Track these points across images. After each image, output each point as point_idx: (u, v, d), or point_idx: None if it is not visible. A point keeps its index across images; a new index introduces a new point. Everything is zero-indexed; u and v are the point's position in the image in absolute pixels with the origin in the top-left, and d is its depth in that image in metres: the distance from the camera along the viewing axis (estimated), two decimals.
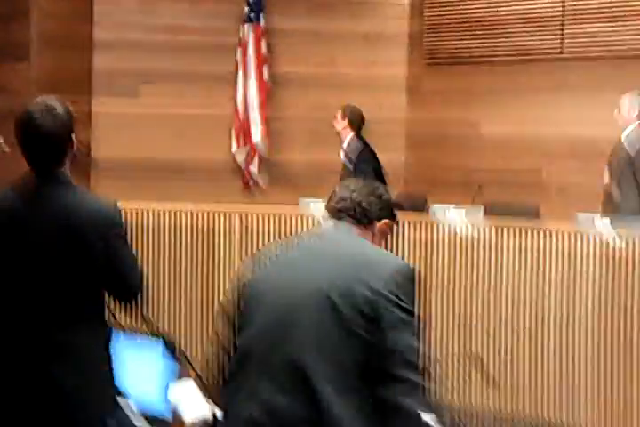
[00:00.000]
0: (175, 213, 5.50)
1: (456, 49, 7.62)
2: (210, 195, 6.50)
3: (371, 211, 2.54)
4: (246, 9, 7.61)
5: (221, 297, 5.32)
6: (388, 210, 2.60)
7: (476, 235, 5.12)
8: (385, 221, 2.58)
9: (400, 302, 2.30)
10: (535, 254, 4.99)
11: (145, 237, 5.35)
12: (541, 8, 7.27)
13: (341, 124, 6.72)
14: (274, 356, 2.35)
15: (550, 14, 7.23)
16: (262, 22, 7.63)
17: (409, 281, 2.38)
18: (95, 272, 2.91)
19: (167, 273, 5.46)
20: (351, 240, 2.51)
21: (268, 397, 2.33)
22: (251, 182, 7.68)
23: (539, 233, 4.98)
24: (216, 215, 5.44)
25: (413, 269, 2.43)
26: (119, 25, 7.62)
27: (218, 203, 5.80)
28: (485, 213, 5.37)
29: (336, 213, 2.56)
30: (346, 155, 6.63)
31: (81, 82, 7.48)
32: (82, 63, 7.53)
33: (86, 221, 2.89)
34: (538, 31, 7.29)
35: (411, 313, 2.32)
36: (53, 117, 2.92)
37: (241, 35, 7.62)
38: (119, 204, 3.01)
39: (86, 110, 7.24)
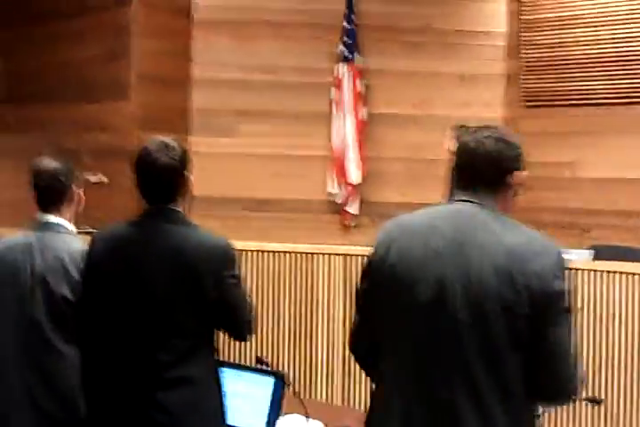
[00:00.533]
0: (276, 254, 5.47)
1: (554, 90, 7.53)
2: (308, 236, 6.49)
3: (505, 168, 2.44)
4: (342, 48, 7.61)
5: (320, 339, 5.30)
6: (522, 159, 2.49)
7: (586, 279, 5.00)
8: (523, 171, 2.48)
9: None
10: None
11: (246, 277, 5.34)
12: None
13: (454, 145, 6.56)
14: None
15: None
16: (357, 61, 7.61)
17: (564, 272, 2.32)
18: (208, 310, 2.90)
19: (268, 313, 5.44)
20: (499, 222, 2.36)
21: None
22: (351, 224, 7.62)
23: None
24: (318, 257, 5.40)
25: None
26: (217, 63, 7.69)
27: (318, 244, 5.76)
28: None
29: (466, 180, 2.45)
30: None
31: (179, 120, 7.57)
32: (180, 101, 7.63)
33: (200, 259, 2.90)
34: (638, 72, 7.16)
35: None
36: (170, 154, 2.93)
37: (336, 73, 7.61)
38: (230, 242, 2.99)
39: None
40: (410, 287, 2.35)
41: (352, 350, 2.62)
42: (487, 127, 2.51)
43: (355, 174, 7.52)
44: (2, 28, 8.24)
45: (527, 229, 2.39)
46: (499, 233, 2.32)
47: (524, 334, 2.25)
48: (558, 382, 2.29)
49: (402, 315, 2.37)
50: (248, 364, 3.53)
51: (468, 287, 2.27)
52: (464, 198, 2.43)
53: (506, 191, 2.44)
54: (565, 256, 4.72)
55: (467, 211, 2.40)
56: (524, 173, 2.44)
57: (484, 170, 2.43)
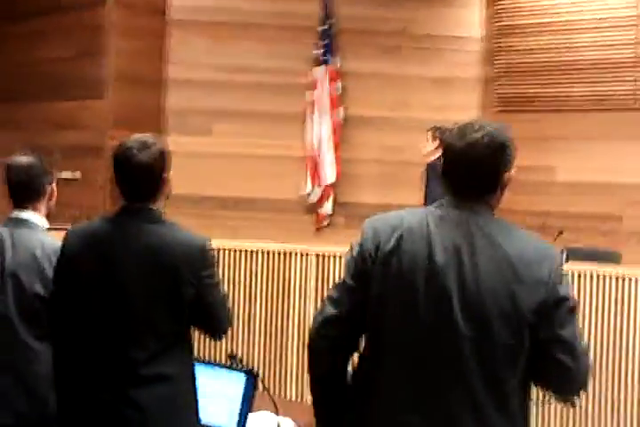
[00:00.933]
0: (249, 253, 5.46)
1: (528, 95, 7.56)
2: (282, 235, 6.47)
3: (501, 172, 2.34)
4: (320, 51, 7.63)
5: (292, 337, 5.29)
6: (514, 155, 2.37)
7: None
8: (513, 169, 2.38)
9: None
10: (618, 301, 4.90)
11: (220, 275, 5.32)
12: (615, 54, 7.22)
13: (432, 146, 6.57)
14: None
15: (624, 61, 7.17)
16: (334, 64, 7.63)
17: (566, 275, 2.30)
18: (184, 308, 2.88)
19: (240, 311, 5.43)
20: (496, 228, 2.30)
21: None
22: (325, 223, 7.62)
23: (622, 280, 4.90)
24: (292, 256, 5.39)
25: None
26: (192, 64, 7.70)
27: (292, 244, 5.76)
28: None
29: (461, 181, 2.35)
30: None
31: (154, 119, 7.56)
32: (155, 101, 7.62)
33: (177, 257, 2.87)
34: (611, 78, 7.22)
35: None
36: (151, 153, 2.90)
37: (315, 76, 7.62)
38: (207, 241, 2.96)
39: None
40: (409, 298, 2.28)
41: (321, 338, 2.45)
42: (473, 125, 2.35)
43: (329, 175, 7.54)
44: None
45: (525, 234, 2.34)
46: (497, 240, 2.27)
47: (527, 342, 2.22)
48: (573, 380, 2.27)
49: (400, 325, 2.31)
50: (220, 361, 3.50)
51: (468, 299, 2.22)
52: (458, 204, 2.35)
53: (497, 192, 2.39)
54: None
55: (464, 218, 2.32)
56: (514, 172, 2.38)
57: (477, 175, 2.33)
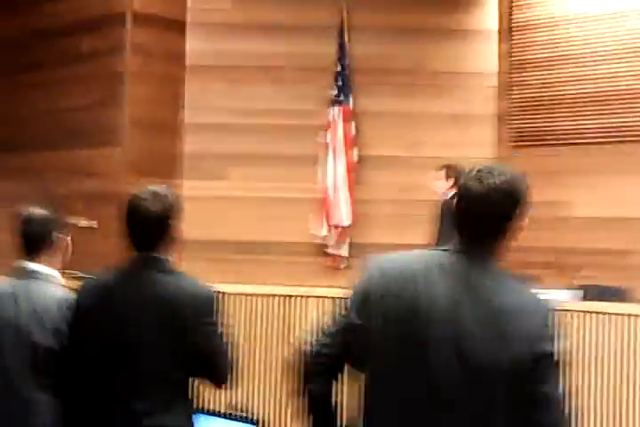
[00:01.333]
0: (264, 297, 5.47)
1: (544, 129, 7.56)
2: (297, 278, 6.47)
3: (506, 226, 2.31)
4: (334, 91, 7.68)
5: None
6: (526, 204, 2.33)
7: (575, 320, 5.00)
8: (524, 218, 2.34)
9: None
10: (625, 339, 4.85)
11: (236, 320, 5.33)
12: (628, 85, 7.21)
13: (446, 185, 6.57)
14: None
15: (637, 92, 7.16)
16: (349, 104, 7.66)
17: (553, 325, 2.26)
18: (188, 357, 2.89)
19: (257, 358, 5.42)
20: (490, 280, 2.27)
21: None
22: (341, 265, 7.61)
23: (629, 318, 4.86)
24: (307, 300, 5.39)
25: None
26: (208, 108, 7.77)
27: (308, 286, 5.75)
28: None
29: (468, 226, 2.33)
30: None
31: (170, 165, 7.63)
32: (172, 147, 7.69)
33: (181, 306, 2.90)
34: (625, 110, 7.21)
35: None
36: (160, 203, 2.95)
37: (329, 117, 7.67)
38: (213, 291, 2.99)
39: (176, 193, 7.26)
40: (400, 347, 2.28)
41: (313, 365, 2.44)
42: (493, 170, 2.33)
43: (345, 217, 7.56)
44: (2, 75, 8.32)
45: (519, 285, 2.32)
46: (491, 291, 2.26)
47: (512, 393, 2.20)
48: None
49: (390, 371, 2.30)
50: (221, 409, 3.49)
51: (457, 350, 2.21)
52: (462, 249, 2.33)
53: (506, 239, 2.38)
54: (554, 297, 4.71)
55: (465, 268, 2.30)
56: (525, 222, 2.35)
57: (490, 221, 2.31)
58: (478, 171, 2.34)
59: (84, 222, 6.95)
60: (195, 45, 7.84)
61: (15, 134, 8.18)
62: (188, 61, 7.81)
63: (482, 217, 2.31)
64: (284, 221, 7.57)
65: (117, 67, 7.48)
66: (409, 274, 2.32)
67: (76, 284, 3.21)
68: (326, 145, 7.67)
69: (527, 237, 7.16)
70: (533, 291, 2.34)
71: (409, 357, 2.28)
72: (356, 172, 7.66)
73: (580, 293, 5.31)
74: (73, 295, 3.17)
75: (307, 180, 7.67)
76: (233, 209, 7.59)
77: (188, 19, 7.83)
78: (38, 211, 3.48)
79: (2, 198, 7.99)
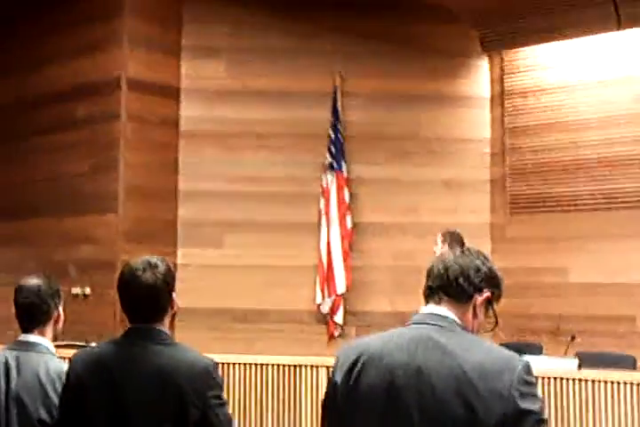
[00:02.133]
0: (260, 366, 5.41)
1: (539, 195, 7.58)
2: (295, 346, 6.42)
3: (468, 287, 2.38)
4: (329, 158, 7.69)
5: None
6: (490, 280, 2.41)
7: (571, 388, 4.94)
8: (487, 293, 2.40)
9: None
10: (635, 408, 4.79)
11: (230, 389, 5.27)
12: (622, 151, 7.25)
13: (442, 250, 6.55)
14: None
15: (631, 157, 7.21)
16: (345, 171, 7.68)
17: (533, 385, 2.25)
18: None
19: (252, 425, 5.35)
20: (457, 342, 2.29)
21: None
22: (336, 333, 7.55)
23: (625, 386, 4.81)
24: (302, 369, 5.34)
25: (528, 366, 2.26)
26: (203, 175, 7.78)
27: (305, 355, 5.71)
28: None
29: (433, 293, 2.41)
30: None
31: (167, 233, 7.62)
32: (167, 213, 7.67)
33: (183, 380, 2.85)
34: (619, 175, 7.24)
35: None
36: (156, 275, 2.91)
37: (323, 183, 7.68)
38: (213, 362, 2.95)
39: (172, 261, 7.29)
40: (371, 423, 2.29)
41: None
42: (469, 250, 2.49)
43: (341, 285, 7.51)
44: None
45: (487, 346, 2.31)
46: (456, 355, 2.25)
47: None
48: None
49: None
50: None
51: (427, 416, 2.20)
52: (426, 318, 2.39)
53: (469, 310, 2.42)
54: (549, 365, 4.65)
55: (426, 335, 2.33)
56: (485, 297, 2.39)
57: (450, 284, 2.39)
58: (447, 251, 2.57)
59: (76, 290, 6.91)
60: (189, 112, 7.87)
61: (9, 201, 8.18)
62: (182, 128, 7.84)
63: (446, 274, 2.41)
64: (280, 288, 7.55)
65: (112, 133, 7.48)
66: (369, 354, 2.36)
67: (70, 353, 3.17)
68: (320, 212, 7.66)
69: (525, 303, 7.18)
70: (503, 349, 2.34)
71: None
72: (350, 238, 7.64)
73: (575, 361, 5.25)
74: (66, 366, 3.12)
75: (302, 247, 7.67)
76: (228, 277, 7.56)
77: (183, 85, 7.88)
78: (33, 281, 3.45)
79: None
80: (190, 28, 7.92)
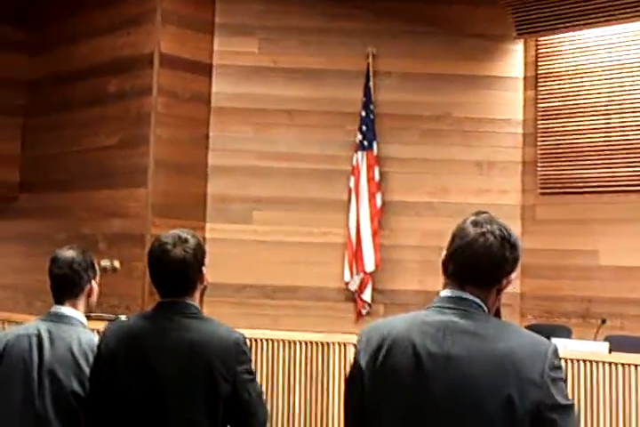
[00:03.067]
0: (288, 343, 5.42)
1: (571, 178, 7.53)
2: (322, 323, 6.43)
3: (496, 274, 2.30)
4: (359, 136, 7.67)
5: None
6: (514, 264, 2.32)
7: (601, 372, 4.91)
8: (512, 276, 2.33)
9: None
10: None
11: (258, 365, 5.28)
12: None
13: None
14: None
15: None
16: (375, 150, 7.66)
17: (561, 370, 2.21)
18: (221, 405, 2.85)
19: (279, 403, 5.36)
20: (485, 327, 2.24)
21: None
22: (364, 311, 7.55)
23: None
24: (331, 346, 5.34)
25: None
26: (234, 151, 7.77)
27: (333, 332, 5.71)
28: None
29: (458, 277, 2.30)
30: None
31: (196, 208, 7.63)
32: (197, 189, 7.68)
33: (213, 354, 2.86)
34: None
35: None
36: (185, 250, 2.92)
37: (354, 162, 7.65)
38: (243, 336, 2.95)
39: (201, 236, 7.25)
40: (400, 406, 2.24)
41: None
42: (487, 217, 2.35)
43: (370, 263, 7.49)
44: (21, 116, 8.41)
45: (516, 331, 2.29)
46: (486, 341, 2.21)
47: None
48: None
49: None
50: None
51: (460, 404, 2.16)
52: (452, 300, 2.31)
53: (494, 292, 2.36)
54: (579, 348, 4.62)
55: (452, 320, 2.27)
56: (515, 275, 2.34)
57: (483, 271, 2.29)
58: (475, 217, 2.36)
59: (105, 262, 6.95)
60: (221, 88, 7.86)
61: (41, 174, 8.25)
62: (213, 104, 7.83)
63: (473, 265, 2.29)
64: (310, 265, 7.56)
65: (144, 108, 7.48)
66: (392, 337, 2.31)
67: (99, 326, 3.18)
68: (350, 190, 7.65)
69: (556, 285, 7.17)
70: (532, 334, 2.29)
71: (404, 417, 2.25)
72: (379, 217, 7.62)
73: (606, 344, 5.22)
74: (97, 338, 3.14)
75: (331, 224, 7.66)
76: (257, 252, 7.57)
77: (215, 61, 7.87)
78: (67, 253, 3.46)
79: (28, 238, 8.06)
80: (223, 6, 7.88)
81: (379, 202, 7.62)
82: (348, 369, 2.41)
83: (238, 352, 2.92)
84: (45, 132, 8.25)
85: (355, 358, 2.40)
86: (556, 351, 2.23)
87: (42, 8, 8.45)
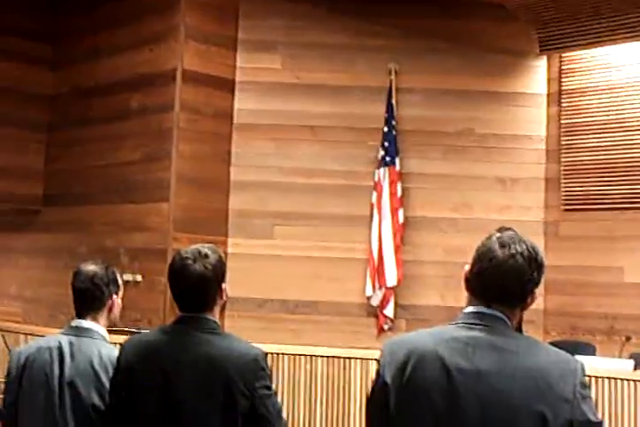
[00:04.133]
0: (310, 358, 5.40)
1: (595, 194, 7.49)
2: (344, 338, 6.41)
3: (523, 294, 2.29)
4: (382, 152, 7.66)
5: None
6: (539, 282, 2.31)
7: (625, 389, 4.86)
8: (535, 294, 2.31)
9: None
10: None
11: (279, 380, 5.26)
12: None
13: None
14: None
15: None
16: (398, 165, 7.64)
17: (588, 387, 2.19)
18: (239, 421, 2.82)
19: (301, 418, 5.33)
20: (514, 344, 2.22)
21: None
22: (386, 326, 7.50)
23: None
24: (353, 362, 5.31)
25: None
26: (256, 167, 7.78)
27: (353, 348, 5.68)
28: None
29: (484, 295, 2.29)
30: None
31: (218, 222, 7.64)
32: (219, 204, 7.69)
33: (232, 369, 2.83)
34: None
35: None
36: (205, 265, 2.91)
37: (376, 177, 7.64)
38: (262, 352, 2.93)
39: (222, 251, 7.22)
40: (430, 421, 2.21)
41: None
42: (514, 236, 2.33)
43: (392, 278, 7.46)
44: (44, 131, 8.48)
45: (544, 348, 2.27)
46: (516, 357, 2.20)
47: None
48: None
49: None
50: None
51: (491, 420, 2.13)
52: (478, 318, 2.29)
53: (519, 310, 2.36)
54: (603, 366, 4.58)
55: (481, 337, 2.25)
56: (538, 291, 2.33)
57: (510, 292, 2.29)
58: (500, 235, 2.34)
59: (127, 276, 6.97)
60: (243, 104, 7.88)
61: (65, 187, 8.30)
62: (236, 119, 7.84)
63: (500, 282, 2.28)
64: (330, 280, 7.54)
65: (166, 123, 7.52)
66: (419, 353, 2.28)
67: (120, 339, 3.18)
68: (372, 205, 7.62)
69: (579, 302, 7.11)
70: (560, 351, 2.28)
71: None
72: (401, 232, 7.58)
73: (631, 362, 5.17)
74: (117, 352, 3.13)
75: (353, 240, 7.63)
76: (278, 267, 7.56)
77: (238, 78, 7.88)
78: (90, 267, 3.46)
79: (51, 251, 8.12)
80: (246, 22, 7.92)
81: (401, 218, 7.59)
82: (369, 384, 2.38)
83: (257, 368, 2.89)
84: (68, 147, 8.32)
85: (378, 372, 2.37)
86: (584, 369, 2.21)
87: (66, 23, 8.53)
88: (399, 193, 7.63)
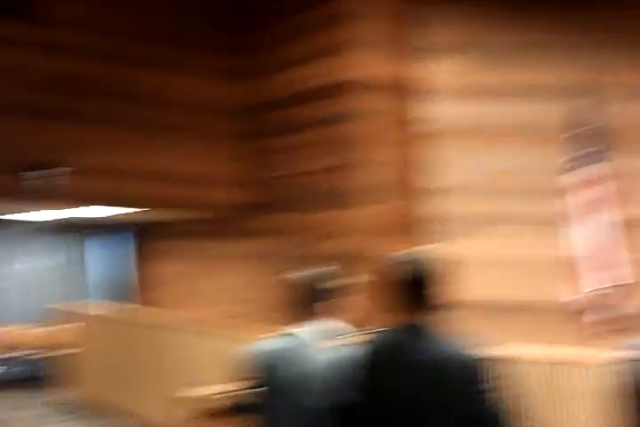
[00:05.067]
0: (536, 361, 5.23)
1: None
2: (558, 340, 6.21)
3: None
4: (588, 150, 7.42)
5: None
6: None
7: None
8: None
9: None
10: None
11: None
12: None
13: None
14: None
15: None
16: (611, 163, 7.36)
17: None
18: (467, 424, 2.83)
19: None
20: None
21: None
22: (620, 327, 7.20)
23: None
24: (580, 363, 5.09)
25: None
26: (456, 171, 7.76)
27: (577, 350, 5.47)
28: None
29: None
30: None
31: (418, 227, 7.66)
32: (416, 209, 7.73)
33: (452, 373, 2.86)
34: None
35: None
36: (426, 267, 2.96)
37: (582, 176, 7.41)
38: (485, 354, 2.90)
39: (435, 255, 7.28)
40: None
41: None
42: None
43: (621, 276, 7.14)
44: (246, 140, 8.72)
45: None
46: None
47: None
48: None
49: None
50: None
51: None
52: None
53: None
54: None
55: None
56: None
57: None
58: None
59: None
60: (430, 109, 7.85)
61: (267, 195, 8.61)
62: (424, 125, 7.83)
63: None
64: (543, 281, 7.31)
65: (355, 131, 7.71)
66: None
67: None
68: (579, 205, 7.41)
69: None
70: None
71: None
72: (622, 231, 7.26)
73: None
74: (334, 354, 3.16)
75: (558, 241, 7.38)
76: (488, 269, 7.46)
77: (418, 84, 7.89)
78: (314, 272, 3.51)
79: (254, 256, 8.39)
80: (421, 29, 7.91)
81: (613, 217, 7.30)
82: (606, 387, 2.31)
83: (481, 370, 2.88)
84: (260, 157, 8.69)
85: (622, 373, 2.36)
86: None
87: (248, 37, 8.95)
88: (609, 192, 7.33)
